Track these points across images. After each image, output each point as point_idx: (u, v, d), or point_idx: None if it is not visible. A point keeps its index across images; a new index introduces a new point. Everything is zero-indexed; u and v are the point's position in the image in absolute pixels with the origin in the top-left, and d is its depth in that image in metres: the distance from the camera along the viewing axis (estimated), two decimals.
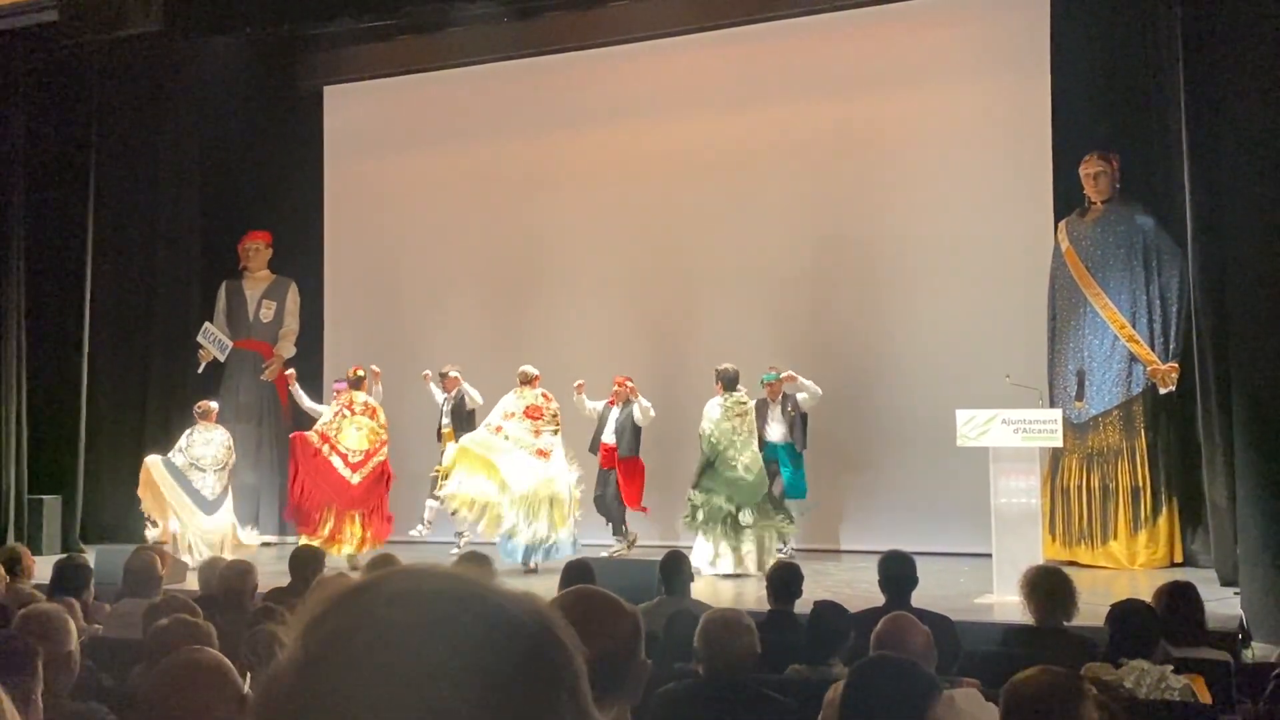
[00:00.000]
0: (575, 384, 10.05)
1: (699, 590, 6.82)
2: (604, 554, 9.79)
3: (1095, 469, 9.38)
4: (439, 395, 10.69)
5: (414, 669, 0.76)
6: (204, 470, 10.30)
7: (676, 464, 10.09)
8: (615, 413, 10.15)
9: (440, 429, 10.65)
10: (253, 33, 11.22)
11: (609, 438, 10.12)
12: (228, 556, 9.74)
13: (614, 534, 10.13)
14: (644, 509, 10.07)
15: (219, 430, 10.57)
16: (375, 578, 0.84)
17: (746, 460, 9.26)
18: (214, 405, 10.76)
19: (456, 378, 10.49)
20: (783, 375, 9.77)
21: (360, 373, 10.40)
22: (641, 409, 10.00)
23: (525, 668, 0.79)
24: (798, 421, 9.85)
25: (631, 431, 10.05)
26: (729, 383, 9.44)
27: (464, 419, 10.44)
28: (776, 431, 9.89)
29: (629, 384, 10.05)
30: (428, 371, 10.67)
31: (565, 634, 0.83)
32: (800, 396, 9.83)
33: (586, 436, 10.21)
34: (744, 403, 9.46)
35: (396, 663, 0.76)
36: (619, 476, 10.07)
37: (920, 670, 2.90)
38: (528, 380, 9.89)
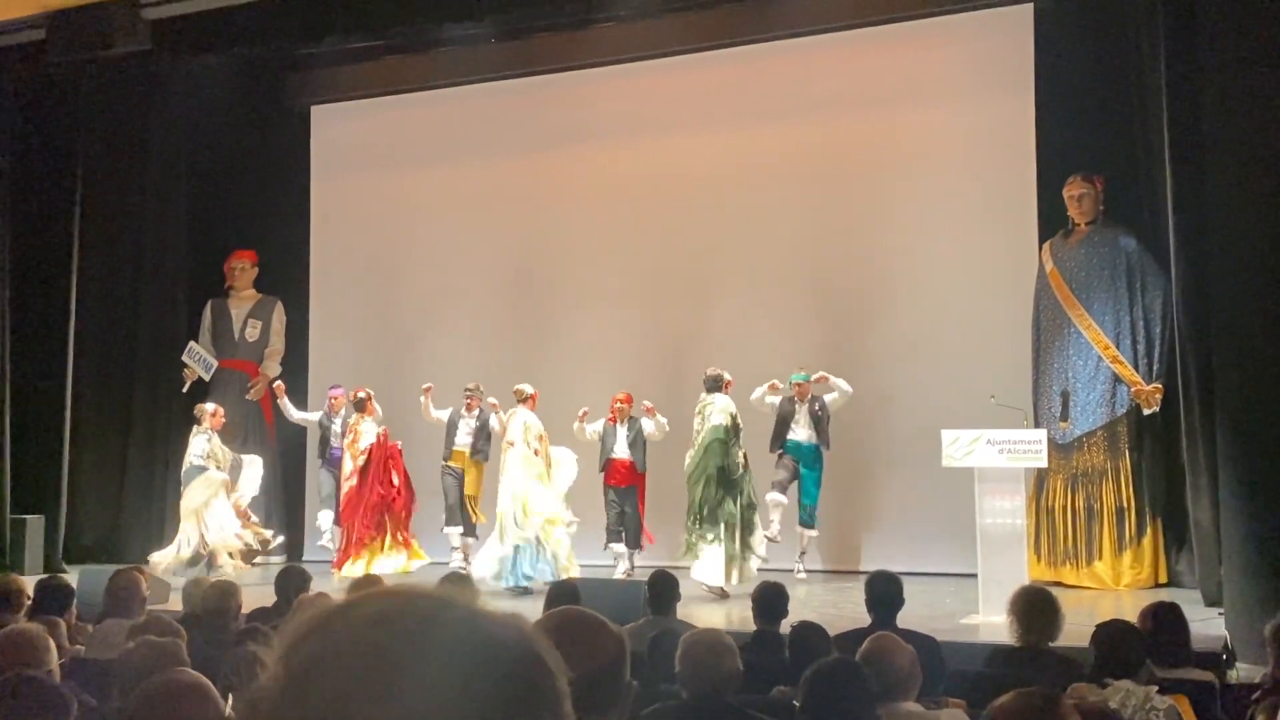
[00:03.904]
0: (580, 412, 10.09)
1: (689, 611, 6.80)
2: (618, 574, 9.85)
3: (1080, 489, 9.40)
4: (438, 413, 10.58)
5: (396, 690, 0.76)
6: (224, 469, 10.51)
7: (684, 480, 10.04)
8: (622, 430, 10.13)
9: (452, 448, 10.57)
10: (240, 52, 11.23)
11: (621, 454, 10.10)
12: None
13: (630, 546, 10.06)
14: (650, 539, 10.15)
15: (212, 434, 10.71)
16: (357, 599, 0.84)
17: (690, 453, 9.25)
18: (219, 411, 10.87)
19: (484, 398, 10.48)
20: (814, 377, 9.75)
21: (361, 394, 10.38)
22: (658, 424, 10.04)
23: (507, 689, 0.79)
24: (824, 422, 9.84)
25: (643, 447, 10.10)
26: (706, 384, 9.45)
27: (488, 441, 10.47)
28: (802, 432, 9.87)
29: (645, 403, 10.05)
30: (429, 385, 10.56)
31: (548, 655, 0.83)
32: (829, 397, 9.82)
33: (582, 456, 10.15)
34: (704, 399, 9.36)
35: (378, 684, 0.76)
36: (639, 494, 10.13)
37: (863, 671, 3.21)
38: (522, 399, 9.89)
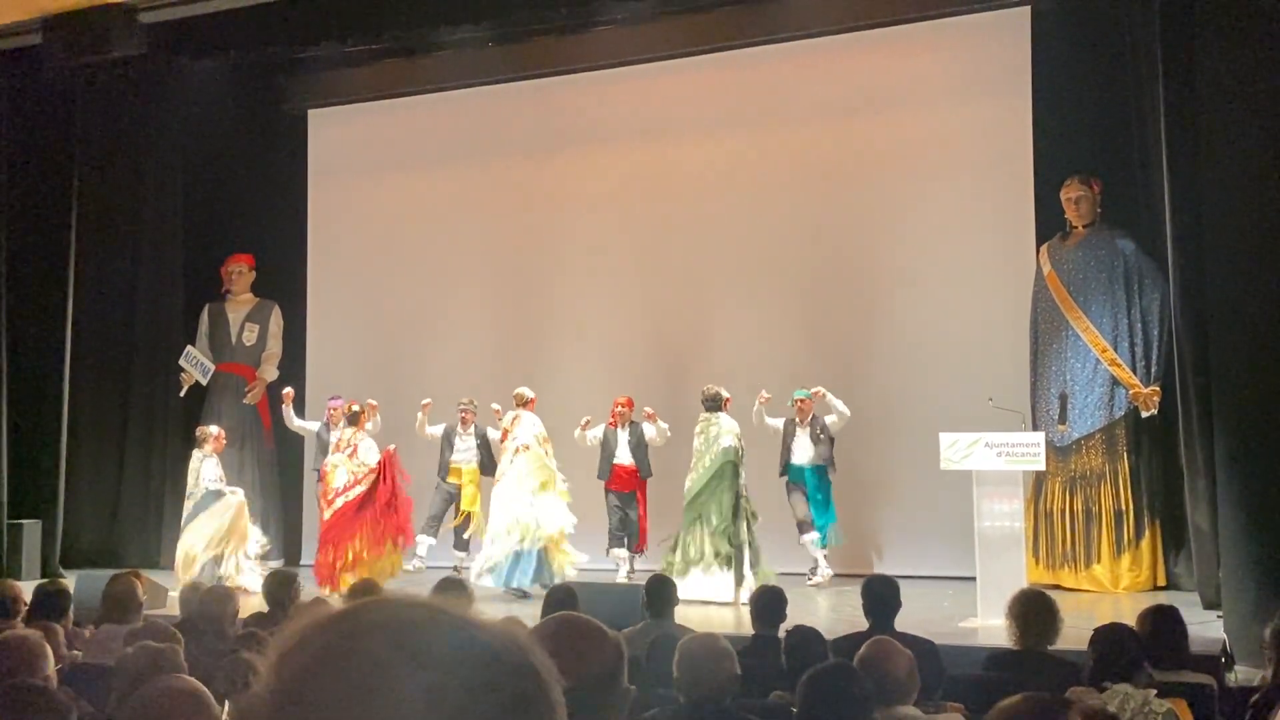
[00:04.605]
0: (582, 420, 10.09)
1: (687, 615, 6.79)
2: (620, 578, 9.84)
3: (1078, 492, 9.40)
4: (433, 429, 10.51)
5: (388, 699, 0.76)
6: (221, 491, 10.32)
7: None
8: (624, 435, 10.10)
9: (448, 464, 10.50)
10: (237, 56, 11.23)
11: (624, 459, 10.07)
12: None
13: (630, 549, 10.05)
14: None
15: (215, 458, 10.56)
16: (352, 607, 0.84)
17: (694, 475, 9.24)
18: (223, 434, 10.76)
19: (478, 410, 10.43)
20: (813, 392, 9.71)
21: (355, 408, 10.04)
22: (659, 430, 10.02)
23: (500, 698, 0.78)
24: (826, 444, 9.74)
25: (645, 451, 10.08)
26: (705, 404, 9.46)
27: (490, 455, 10.38)
28: (804, 454, 9.77)
29: (646, 409, 10.04)
30: (428, 401, 10.49)
31: (542, 663, 0.83)
32: (829, 419, 9.74)
33: (583, 462, 10.13)
34: (706, 419, 9.37)
35: (370, 693, 0.76)
36: (640, 497, 10.11)
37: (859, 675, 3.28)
38: (523, 403, 9.88)
